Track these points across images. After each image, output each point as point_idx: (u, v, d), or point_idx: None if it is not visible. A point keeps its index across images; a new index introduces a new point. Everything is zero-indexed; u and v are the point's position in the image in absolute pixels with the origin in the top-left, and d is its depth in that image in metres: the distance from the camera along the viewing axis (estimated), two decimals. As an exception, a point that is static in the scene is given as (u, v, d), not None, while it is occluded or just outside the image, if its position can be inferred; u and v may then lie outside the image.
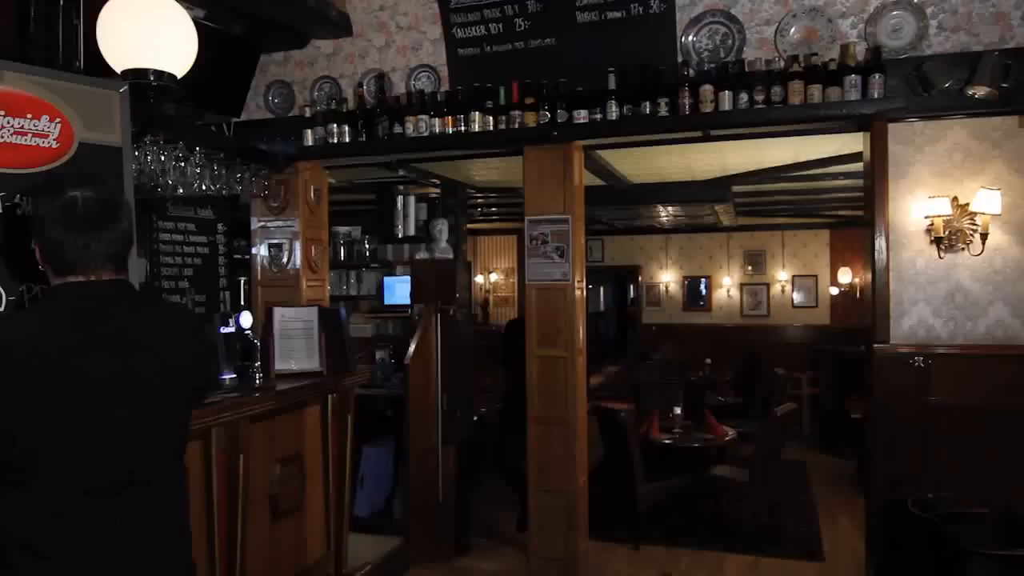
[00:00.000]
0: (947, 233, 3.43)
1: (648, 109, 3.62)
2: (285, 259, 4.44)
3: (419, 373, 4.90)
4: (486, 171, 5.71)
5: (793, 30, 3.56)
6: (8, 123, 2.16)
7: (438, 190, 6.14)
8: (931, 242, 3.49)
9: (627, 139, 3.96)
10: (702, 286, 11.00)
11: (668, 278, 11.18)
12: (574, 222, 3.98)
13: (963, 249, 3.45)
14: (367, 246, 6.55)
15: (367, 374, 3.94)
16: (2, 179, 2.14)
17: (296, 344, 3.63)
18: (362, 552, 4.14)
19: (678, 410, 6.21)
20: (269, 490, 3.19)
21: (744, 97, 3.49)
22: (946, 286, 3.50)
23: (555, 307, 4.01)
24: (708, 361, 9.01)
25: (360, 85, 4.23)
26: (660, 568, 4.79)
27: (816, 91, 3.40)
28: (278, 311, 3.64)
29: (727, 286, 10.81)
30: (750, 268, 10.74)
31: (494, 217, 9.89)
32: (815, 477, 6.97)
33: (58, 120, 2.26)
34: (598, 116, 3.71)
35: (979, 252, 3.42)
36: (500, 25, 3.90)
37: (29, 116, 2.20)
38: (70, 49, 2.55)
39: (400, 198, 6.11)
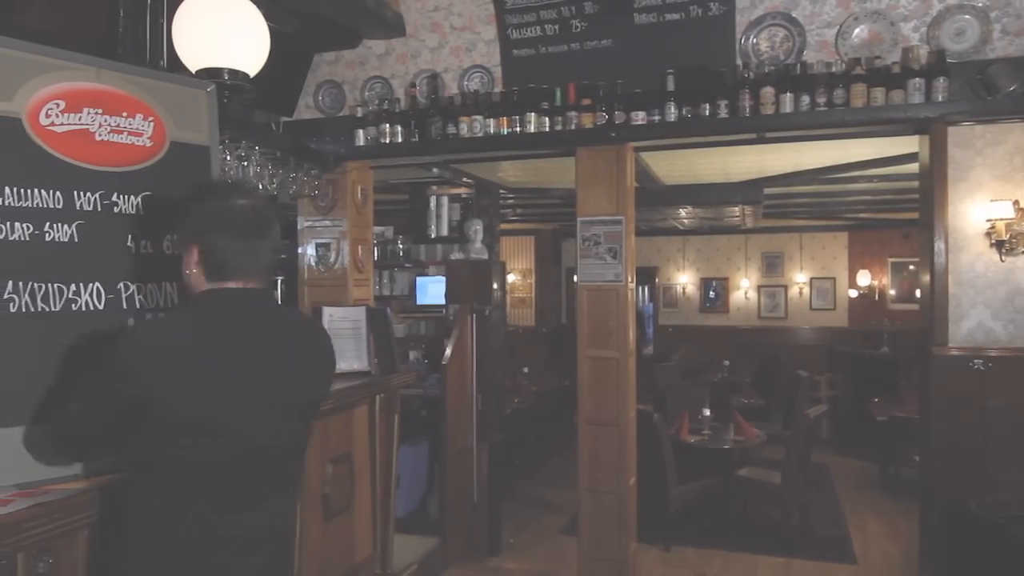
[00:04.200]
0: (1008, 236, 3.43)
1: (708, 111, 3.62)
2: (333, 258, 4.43)
3: (455, 373, 4.90)
4: (522, 172, 5.70)
5: (855, 33, 3.56)
6: (105, 121, 2.14)
7: (470, 190, 6.13)
8: (991, 245, 3.49)
9: (684, 140, 3.94)
10: (719, 288, 10.98)
11: (685, 279, 11.15)
12: (627, 223, 3.97)
13: (1024, 253, 3.46)
14: (400, 246, 6.53)
15: (413, 375, 3.93)
16: (100, 177, 2.13)
17: (345, 344, 3.60)
18: (403, 552, 4.14)
19: (707, 411, 6.21)
20: (322, 489, 3.19)
21: (806, 99, 3.48)
22: (1006, 289, 3.50)
23: (607, 308, 3.99)
24: (726, 363, 9.02)
25: (412, 85, 4.22)
26: (694, 569, 4.79)
27: (879, 94, 3.40)
28: (327, 310, 3.61)
29: (744, 288, 10.78)
30: (761, 271, 10.73)
31: (513, 218, 9.86)
32: (838, 480, 6.98)
33: (151, 119, 2.25)
34: (656, 118, 3.71)
35: (1041, 256, 3.44)
36: (556, 26, 3.89)
37: (124, 115, 2.19)
38: (156, 48, 2.54)
39: (433, 198, 6.09)
